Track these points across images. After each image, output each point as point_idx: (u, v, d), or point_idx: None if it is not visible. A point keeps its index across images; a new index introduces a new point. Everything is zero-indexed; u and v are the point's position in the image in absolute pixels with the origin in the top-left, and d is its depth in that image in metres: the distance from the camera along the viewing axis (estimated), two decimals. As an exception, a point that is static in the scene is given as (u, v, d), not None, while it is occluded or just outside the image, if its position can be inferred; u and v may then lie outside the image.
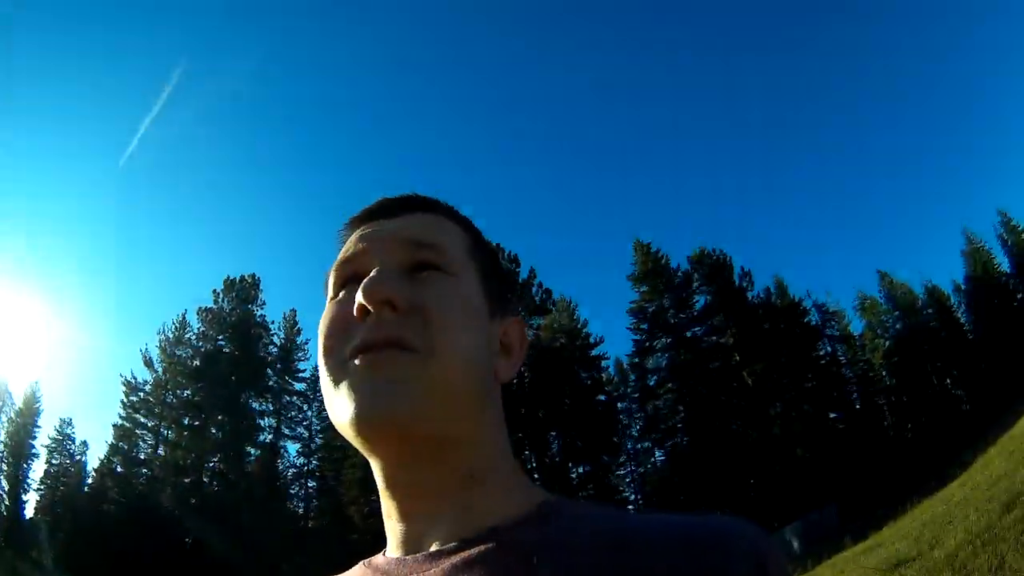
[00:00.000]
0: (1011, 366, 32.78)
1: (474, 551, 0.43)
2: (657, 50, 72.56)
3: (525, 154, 78.53)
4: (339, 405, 0.45)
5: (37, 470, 34.18)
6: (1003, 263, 38.05)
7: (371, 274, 0.47)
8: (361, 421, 0.43)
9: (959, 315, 39.83)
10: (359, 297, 0.45)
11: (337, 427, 0.46)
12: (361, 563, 0.51)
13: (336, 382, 0.46)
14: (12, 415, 35.25)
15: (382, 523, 0.46)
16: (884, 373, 36.61)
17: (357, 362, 0.45)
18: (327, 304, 0.51)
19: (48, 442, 35.11)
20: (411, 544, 0.47)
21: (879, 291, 37.72)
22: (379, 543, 0.51)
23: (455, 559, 0.43)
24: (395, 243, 0.50)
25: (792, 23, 66.78)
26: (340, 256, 0.52)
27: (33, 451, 34.93)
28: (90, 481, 33.28)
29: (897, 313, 37.86)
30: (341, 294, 0.50)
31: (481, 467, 0.47)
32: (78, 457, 36.19)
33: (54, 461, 35.26)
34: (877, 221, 67.50)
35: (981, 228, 54.29)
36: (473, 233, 0.56)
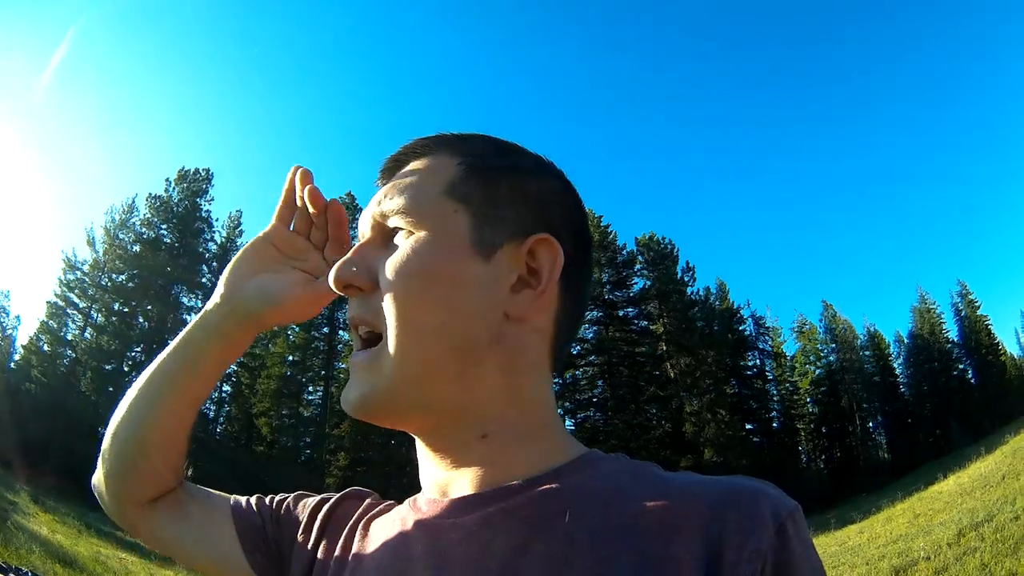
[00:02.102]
0: (936, 430, 33.99)
1: (508, 501, 0.45)
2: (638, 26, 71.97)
3: (491, 102, 79.67)
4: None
5: None
6: (951, 331, 38.71)
7: (343, 257, 0.50)
8: (345, 410, 0.49)
9: (895, 366, 40.90)
10: (330, 281, 0.50)
11: None
12: (407, 501, 0.54)
13: None
14: None
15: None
16: (808, 400, 37.65)
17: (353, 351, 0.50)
18: None
19: None
20: (443, 490, 0.49)
21: (820, 320, 38.64)
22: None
23: (491, 507, 0.45)
24: (372, 220, 0.51)
25: (804, 20, 66.46)
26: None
27: None
28: (17, 358, 32.64)
29: (833, 346, 38.76)
30: None
31: (495, 427, 0.47)
32: (9, 332, 35.50)
33: None
34: (835, 250, 68.77)
35: (937, 289, 55.95)
36: (468, 161, 0.51)
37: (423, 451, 0.51)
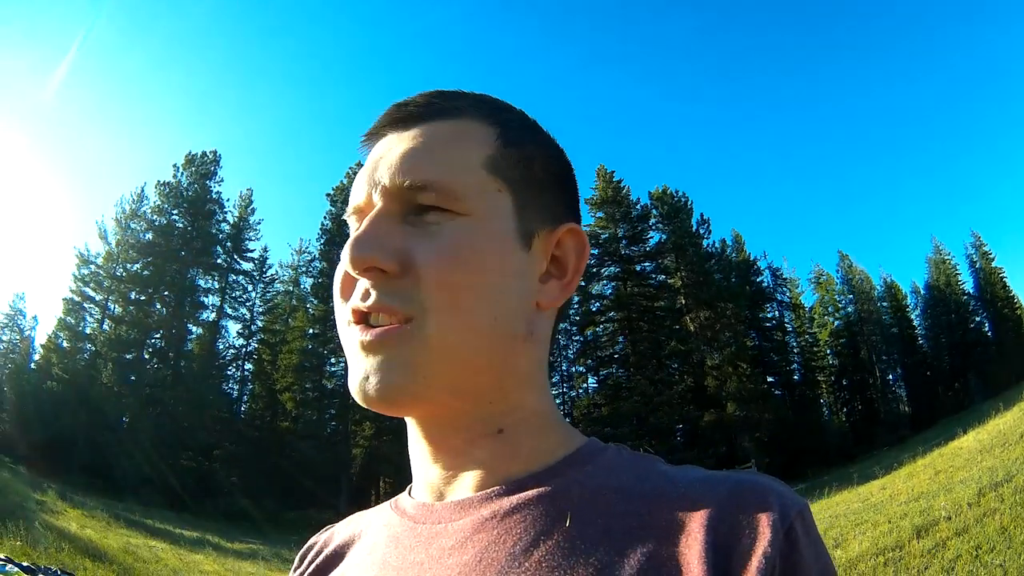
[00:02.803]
0: (954, 382, 33.77)
1: (505, 501, 0.42)
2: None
3: (498, 61, 79.64)
4: (348, 372, 0.44)
5: None
6: (967, 282, 38.26)
7: (357, 232, 0.43)
8: (359, 398, 0.42)
9: (913, 317, 40.59)
10: (344, 261, 0.42)
11: None
12: (387, 503, 0.50)
13: (344, 345, 0.44)
14: None
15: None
16: (828, 352, 37.48)
17: (356, 332, 0.42)
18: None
19: (0, 318, 34.57)
20: (439, 490, 0.46)
21: (836, 271, 38.35)
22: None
23: (486, 509, 0.42)
24: (391, 189, 0.43)
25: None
26: (350, 195, 0.47)
27: None
28: (37, 358, 32.86)
29: (851, 296, 38.49)
30: None
31: (512, 420, 0.45)
32: (28, 333, 35.77)
33: (3, 338, 34.79)
34: (849, 200, 67.78)
35: (951, 240, 55.27)
36: (505, 133, 0.47)
37: (422, 448, 0.46)
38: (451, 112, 0.46)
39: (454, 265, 0.41)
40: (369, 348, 0.41)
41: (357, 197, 0.46)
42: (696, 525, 0.38)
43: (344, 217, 0.49)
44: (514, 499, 0.42)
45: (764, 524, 0.37)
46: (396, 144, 0.45)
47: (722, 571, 0.36)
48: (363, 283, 0.43)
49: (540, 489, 0.42)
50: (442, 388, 0.42)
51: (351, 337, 0.43)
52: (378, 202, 0.44)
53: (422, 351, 0.41)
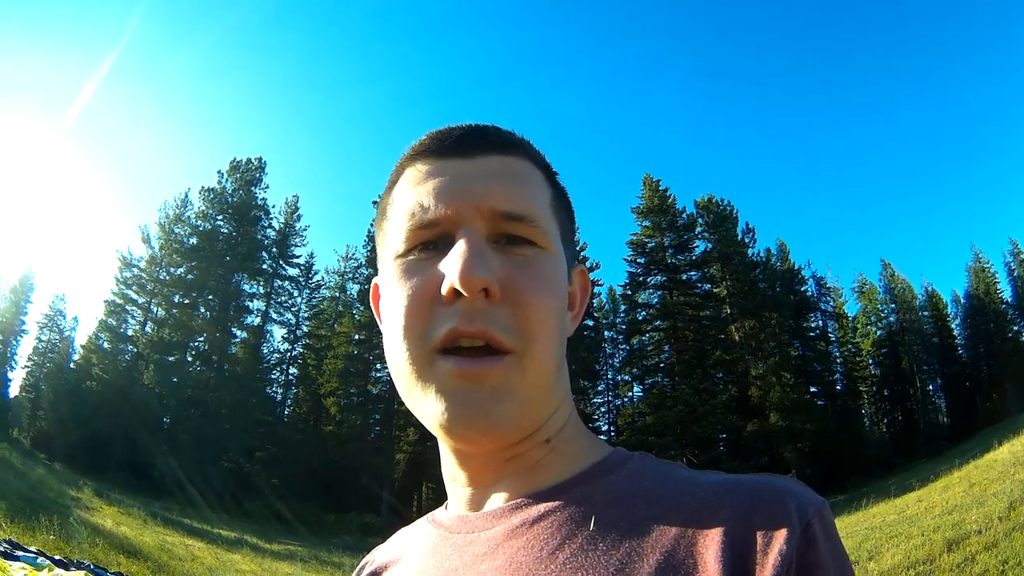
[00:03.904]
0: (992, 393, 32.93)
1: (534, 509, 0.44)
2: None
3: (550, 71, 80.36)
4: (426, 404, 0.44)
5: (27, 348, 34.06)
6: (1005, 291, 37.40)
7: (463, 251, 0.42)
8: (456, 429, 0.43)
9: (954, 327, 39.75)
10: (454, 279, 0.42)
11: (411, 410, 0.46)
12: (424, 518, 0.54)
13: (420, 375, 0.44)
14: (7, 292, 35.15)
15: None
16: (870, 362, 36.81)
17: (449, 364, 0.42)
18: (394, 261, 0.47)
19: (40, 319, 35.14)
20: (476, 504, 0.49)
21: (879, 279, 37.67)
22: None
23: (516, 517, 0.44)
24: (483, 211, 0.45)
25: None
26: (414, 206, 0.46)
27: (22, 327, 34.98)
28: (76, 358, 33.35)
29: (893, 306, 37.81)
30: (416, 255, 0.46)
31: (556, 432, 0.48)
32: (67, 333, 36.35)
33: (42, 338, 35.37)
34: (893, 207, 67.27)
35: (991, 247, 53.99)
36: (551, 179, 0.51)
37: (461, 463, 0.49)
38: (509, 147, 0.48)
39: (550, 298, 0.45)
40: (474, 378, 0.42)
41: (436, 210, 0.45)
42: (714, 526, 0.39)
43: (383, 205, 0.51)
44: (542, 507, 0.44)
45: (781, 523, 0.38)
46: (481, 167, 0.46)
47: (739, 570, 0.36)
48: (460, 305, 0.42)
49: (567, 496, 0.44)
50: (532, 417, 0.45)
51: (443, 368, 0.43)
52: (471, 220, 0.44)
53: (523, 382, 0.43)
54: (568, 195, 0.53)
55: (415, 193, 0.47)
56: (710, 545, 0.38)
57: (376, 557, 0.57)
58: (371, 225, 0.48)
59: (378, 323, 0.52)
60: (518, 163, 0.48)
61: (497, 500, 0.47)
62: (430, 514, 0.53)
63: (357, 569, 0.57)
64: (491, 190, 0.45)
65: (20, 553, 6.42)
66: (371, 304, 0.55)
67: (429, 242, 0.46)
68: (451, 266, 0.42)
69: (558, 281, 0.46)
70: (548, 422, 0.48)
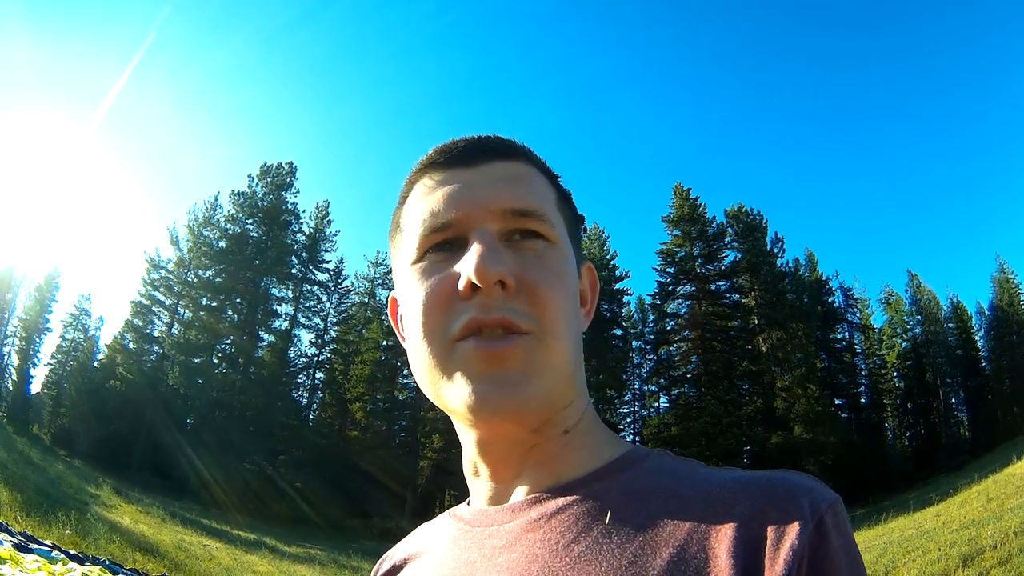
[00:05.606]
0: (1014, 407, 32.46)
1: (552, 504, 0.46)
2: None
3: (582, 80, 79.64)
4: (453, 389, 0.45)
5: (51, 345, 34.31)
6: None
7: (477, 248, 0.45)
8: (485, 410, 0.44)
9: (978, 339, 39.26)
10: (470, 274, 0.44)
11: (439, 404, 0.48)
12: (446, 513, 0.55)
13: (443, 365, 0.46)
14: (32, 290, 35.58)
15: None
16: (895, 374, 36.44)
17: (469, 346, 0.44)
18: (410, 267, 0.49)
19: (65, 317, 35.48)
20: (497, 499, 0.51)
21: (905, 291, 37.28)
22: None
23: (534, 511, 0.46)
24: (493, 212, 0.48)
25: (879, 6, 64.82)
26: (425, 214, 0.49)
27: (47, 325, 35.35)
28: (101, 357, 33.68)
29: (919, 317, 37.42)
30: (430, 259, 0.48)
31: (574, 424, 0.50)
32: (92, 333, 36.68)
33: (67, 336, 35.74)
34: (919, 217, 66.40)
35: (1015, 258, 53.22)
36: (555, 182, 0.54)
37: (484, 458, 0.50)
38: (514, 154, 0.52)
39: (562, 289, 0.47)
40: (497, 359, 0.44)
41: (446, 214, 0.48)
42: (728, 521, 0.39)
43: (397, 216, 0.54)
44: (560, 501, 0.46)
45: (793, 517, 0.38)
46: (487, 173, 0.49)
47: (751, 564, 0.37)
48: (478, 298, 0.45)
49: (585, 491, 0.46)
50: (553, 400, 0.47)
51: (465, 353, 0.45)
52: (482, 222, 0.47)
53: (544, 362, 0.45)
54: (571, 197, 0.56)
55: (426, 203, 0.49)
56: (722, 540, 0.39)
57: (396, 552, 0.59)
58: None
59: (398, 336, 0.55)
60: (522, 167, 0.51)
61: (517, 495, 0.49)
62: (452, 509, 0.55)
63: (377, 564, 0.60)
64: (499, 192, 0.48)
65: (34, 546, 6.42)
66: (389, 317, 0.58)
67: (443, 244, 0.48)
68: (467, 263, 0.45)
69: (569, 274, 0.49)
70: (566, 412, 0.49)
